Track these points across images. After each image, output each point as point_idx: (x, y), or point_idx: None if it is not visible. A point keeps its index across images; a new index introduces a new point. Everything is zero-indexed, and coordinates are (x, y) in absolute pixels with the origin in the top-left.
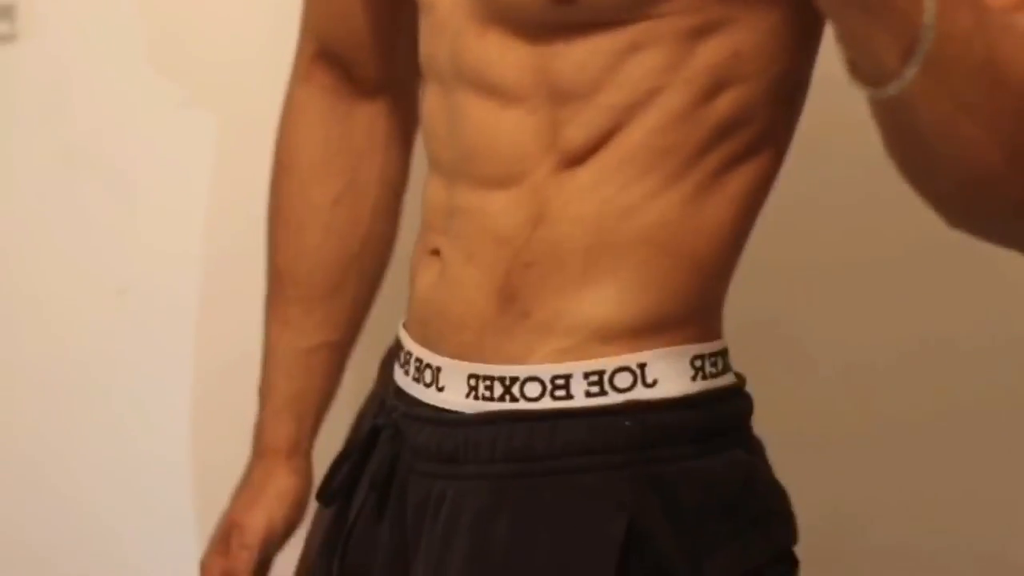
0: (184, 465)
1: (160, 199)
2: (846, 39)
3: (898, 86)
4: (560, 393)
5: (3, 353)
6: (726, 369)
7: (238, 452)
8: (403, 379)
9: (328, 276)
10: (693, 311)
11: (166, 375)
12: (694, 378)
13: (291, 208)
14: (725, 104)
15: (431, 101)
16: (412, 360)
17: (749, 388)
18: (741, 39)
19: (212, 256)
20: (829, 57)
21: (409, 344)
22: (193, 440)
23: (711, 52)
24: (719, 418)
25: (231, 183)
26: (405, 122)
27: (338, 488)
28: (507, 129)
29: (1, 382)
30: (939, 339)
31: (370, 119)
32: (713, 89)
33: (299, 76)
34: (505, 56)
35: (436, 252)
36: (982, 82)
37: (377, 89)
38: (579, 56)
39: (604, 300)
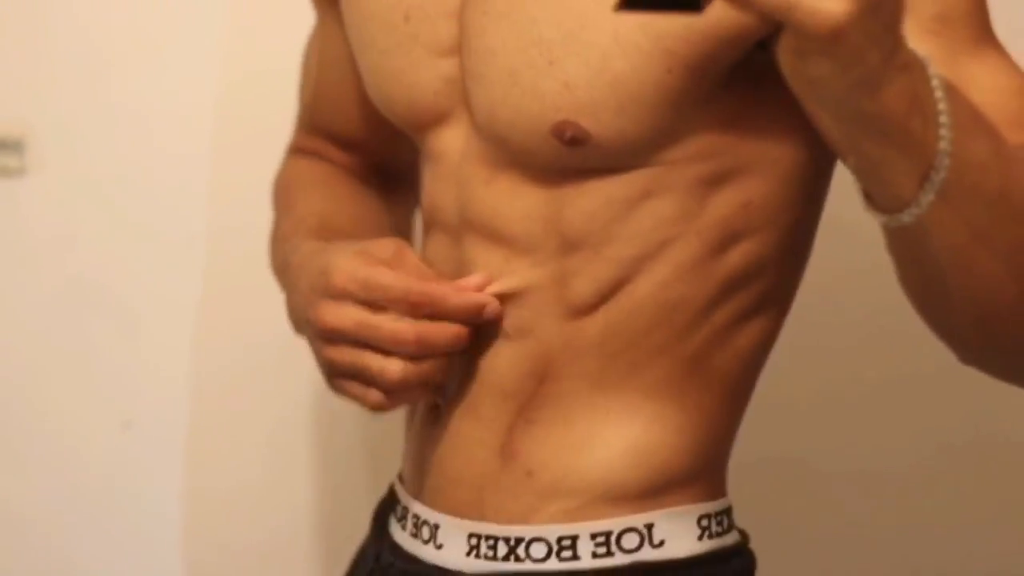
0: None
1: (165, 334)
2: (862, 166)
3: (913, 213)
4: (566, 554)
5: (10, 487)
6: (731, 527)
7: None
8: (399, 534)
9: (351, 218)
10: (700, 469)
11: (171, 509)
12: (700, 538)
13: (289, 203)
14: (736, 257)
15: (434, 251)
16: (409, 515)
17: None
18: (752, 189)
19: (215, 391)
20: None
21: (405, 498)
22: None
23: (722, 203)
24: None
25: (234, 319)
26: (408, 213)
27: None
28: (515, 280)
29: (9, 516)
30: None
31: (372, 191)
32: (724, 242)
33: (287, 155)
34: (515, 204)
35: (436, 405)
36: (998, 213)
37: (380, 175)
38: (590, 204)
39: (611, 459)
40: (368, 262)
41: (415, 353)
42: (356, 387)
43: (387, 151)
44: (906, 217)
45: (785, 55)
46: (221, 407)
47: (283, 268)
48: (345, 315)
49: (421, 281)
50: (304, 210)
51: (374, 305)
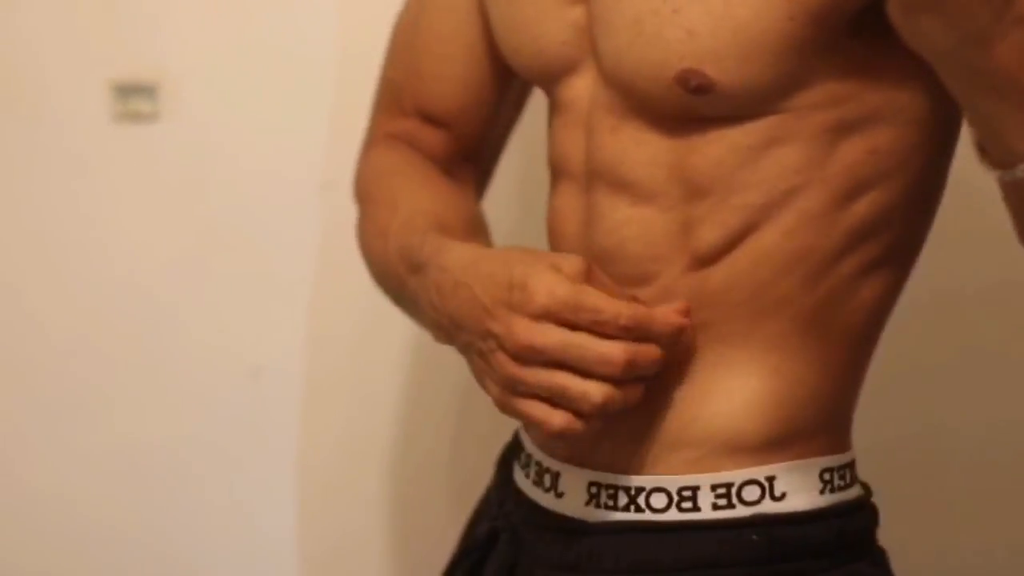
0: (306, 548)
1: (296, 280)
2: (976, 122)
3: None
4: (687, 505)
5: (138, 429)
6: (854, 481)
7: (355, 531)
8: (523, 481)
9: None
10: (823, 422)
11: (298, 456)
12: (822, 491)
13: (381, 205)
14: (863, 207)
15: (560, 201)
16: (532, 463)
17: None
18: (879, 136)
19: (346, 337)
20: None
21: (529, 446)
22: (310, 522)
23: (849, 150)
24: (846, 532)
25: (354, 264)
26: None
27: None
28: (641, 227)
29: (132, 461)
30: None
31: (455, 178)
32: (851, 191)
33: (372, 142)
34: (640, 152)
35: None
36: None
37: (463, 159)
38: (715, 152)
39: (733, 410)
40: (567, 280)
41: (621, 375)
42: (540, 408)
43: (481, 129)
44: (1019, 172)
45: (894, 10)
46: (341, 356)
47: (402, 264)
48: (548, 335)
49: (629, 304)
50: (410, 208)
51: (575, 325)
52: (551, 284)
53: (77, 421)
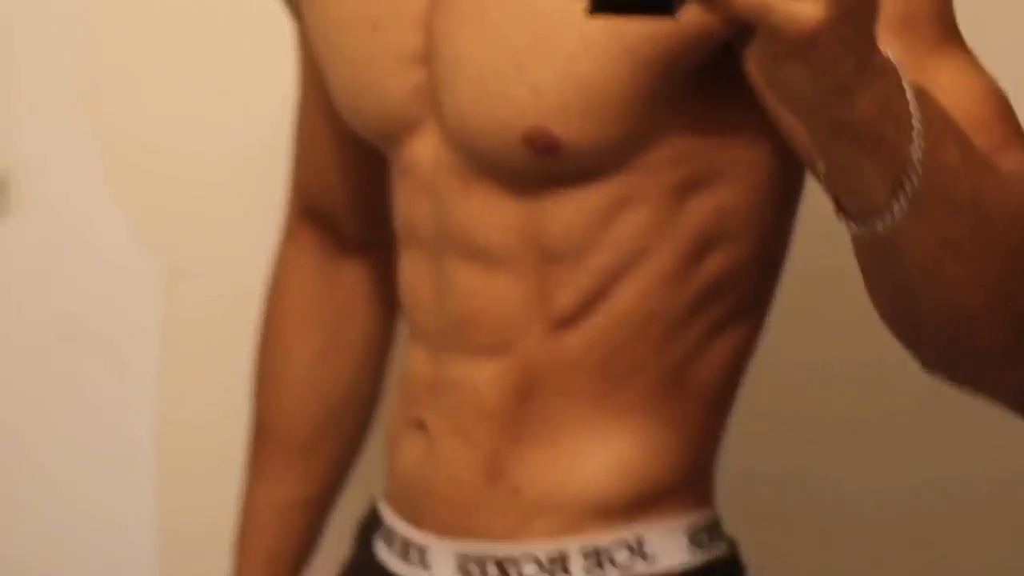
0: None
1: (155, 369)
2: (834, 174)
3: (885, 222)
4: (558, 572)
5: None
6: (720, 538)
7: None
8: (387, 555)
9: (306, 431)
10: (687, 479)
11: (166, 542)
12: (691, 550)
13: (272, 362)
14: (712, 266)
15: (412, 269)
16: (396, 538)
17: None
18: (726, 194)
19: (209, 422)
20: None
21: (391, 520)
22: None
23: (696, 209)
24: None
25: (225, 351)
26: (392, 281)
27: None
28: (496, 294)
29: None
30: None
31: (355, 277)
32: (700, 250)
33: (287, 232)
34: (491, 217)
35: (421, 425)
36: (967, 220)
37: (362, 247)
38: (566, 215)
39: (598, 473)
40: None
41: None
42: None
43: (367, 222)
44: (877, 225)
45: (758, 59)
46: (229, 441)
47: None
48: None
49: None
50: (285, 418)
51: None
52: None
53: None
